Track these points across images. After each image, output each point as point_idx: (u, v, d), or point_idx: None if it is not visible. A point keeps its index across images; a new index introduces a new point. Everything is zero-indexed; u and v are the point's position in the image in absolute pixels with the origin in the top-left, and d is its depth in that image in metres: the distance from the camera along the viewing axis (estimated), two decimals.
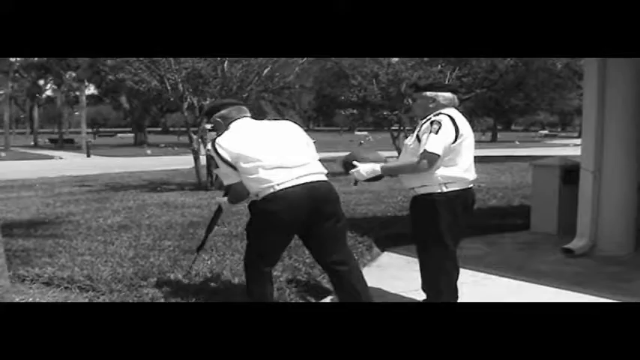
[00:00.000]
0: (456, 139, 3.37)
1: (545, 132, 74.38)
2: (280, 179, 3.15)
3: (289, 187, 3.15)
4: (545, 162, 7.06)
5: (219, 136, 3.35)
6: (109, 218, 7.64)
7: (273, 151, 3.20)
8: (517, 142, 48.48)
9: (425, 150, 3.34)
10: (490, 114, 51.75)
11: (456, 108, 3.56)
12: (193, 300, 3.93)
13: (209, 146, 3.32)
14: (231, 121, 3.37)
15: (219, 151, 3.23)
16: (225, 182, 3.34)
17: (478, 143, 6.69)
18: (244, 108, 3.49)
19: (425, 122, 3.46)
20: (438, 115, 3.43)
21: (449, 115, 3.41)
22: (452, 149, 3.38)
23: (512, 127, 79.95)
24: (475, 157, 3.60)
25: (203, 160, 12.19)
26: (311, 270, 4.63)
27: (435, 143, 3.32)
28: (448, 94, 3.55)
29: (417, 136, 3.46)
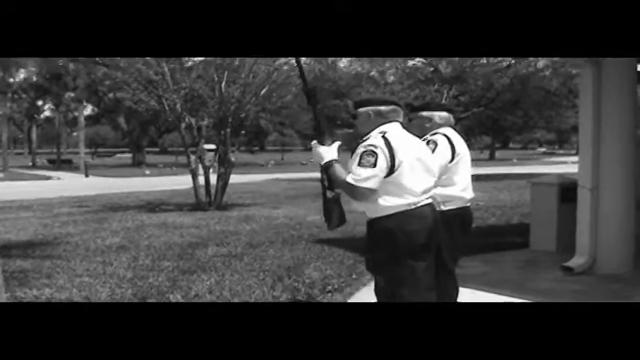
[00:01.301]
0: (452, 159, 3.39)
1: (543, 149, 74.65)
2: (417, 199, 2.85)
3: (422, 206, 2.86)
4: (543, 180, 7.08)
5: (366, 134, 2.90)
6: (108, 239, 7.65)
7: (420, 168, 2.88)
8: (515, 160, 48.61)
9: None
10: (488, 132, 51.89)
11: (452, 127, 3.59)
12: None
13: (373, 140, 2.81)
14: (385, 123, 2.93)
15: (393, 143, 2.79)
16: (363, 184, 2.75)
17: (476, 161, 6.72)
18: (402, 112, 3.03)
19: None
20: (434, 134, 3.45)
21: (445, 135, 3.44)
22: (448, 168, 3.39)
23: (510, 145, 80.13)
24: (473, 175, 3.62)
25: (201, 180, 12.20)
26: (310, 290, 4.62)
27: None
28: (444, 114, 3.58)
29: None
